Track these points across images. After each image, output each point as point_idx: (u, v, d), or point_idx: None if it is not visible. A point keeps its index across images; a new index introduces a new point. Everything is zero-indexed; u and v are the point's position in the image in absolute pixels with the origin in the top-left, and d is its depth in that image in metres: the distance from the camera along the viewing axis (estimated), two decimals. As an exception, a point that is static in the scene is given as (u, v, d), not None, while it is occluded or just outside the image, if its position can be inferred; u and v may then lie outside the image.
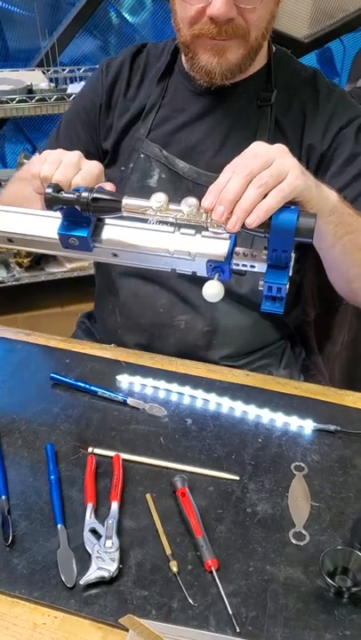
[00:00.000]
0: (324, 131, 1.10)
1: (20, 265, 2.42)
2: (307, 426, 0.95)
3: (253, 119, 1.12)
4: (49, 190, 0.80)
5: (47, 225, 0.86)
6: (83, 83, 2.39)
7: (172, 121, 1.16)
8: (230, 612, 0.70)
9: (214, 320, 1.14)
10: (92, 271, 2.44)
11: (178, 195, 1.11)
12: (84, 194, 0.79)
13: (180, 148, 1.14)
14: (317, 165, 1.09)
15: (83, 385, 1.01)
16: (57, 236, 0.84)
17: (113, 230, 0.85)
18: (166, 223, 0.83)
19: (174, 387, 1.02)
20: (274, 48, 1.16)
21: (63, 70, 2.44)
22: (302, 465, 0.89)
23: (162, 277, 1.13)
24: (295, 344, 1.27)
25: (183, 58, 1.14)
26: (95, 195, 0.79)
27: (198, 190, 1.11)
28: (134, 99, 1.19)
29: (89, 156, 0.95)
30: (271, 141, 1.09)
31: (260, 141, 0.84)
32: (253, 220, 0.76)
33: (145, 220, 0.83)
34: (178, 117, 1.16)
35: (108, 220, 0.86)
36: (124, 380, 1.03)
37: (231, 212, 0.77)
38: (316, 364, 1.29)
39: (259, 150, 0.82)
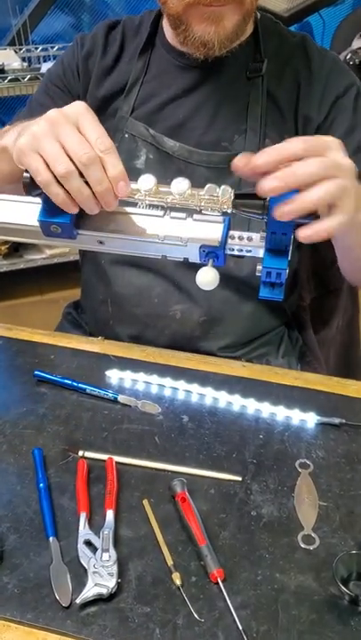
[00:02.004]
0: (320, 100, 1.03)
1: (-3, 253, 2.36)
2: (310, 419, 0.90)
3: (244, 92, 1.05)
4: (27, 175, 0.73)
5: (26, 212, 0.79)
6: (57, 61, 2.32)
7: (156, 97, 1.09)
8: (240, 627, 0.65)
9: (211, 309, 1.08)
10: (72, 257, 2.40)
11: (168, 176, 1.03)
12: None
13: (168, 125, 1.07)
14: None
15: (70, 382, 0.94)
16: (37, 224, 0.78)
17: (98, 215, 0.79)
18: (155, 207, 0.77)
19: (167, 381, 0.96)
20: (258, 14, 1.08)
21: (36, 49, 2.35)
22: (307, 462, 0.84)
23: (156, 265, 1.06)
24: (292, 331, 1.22)
25: (170, 32, 1.06)
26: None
27: (190, 170, 1.04)
28: (112, 70, 1.11)
29: None
30: (265, 114, 1.04)
31: (340, 144, 0.70)
32: (308, 237, 0.69)
33: (131, 204, 0.76)
34: (163, 93, 1.08)
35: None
36: (113, 375, 0.97)
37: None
38: (313, 350, 1.24)
39: (336, 156, 0.69)
